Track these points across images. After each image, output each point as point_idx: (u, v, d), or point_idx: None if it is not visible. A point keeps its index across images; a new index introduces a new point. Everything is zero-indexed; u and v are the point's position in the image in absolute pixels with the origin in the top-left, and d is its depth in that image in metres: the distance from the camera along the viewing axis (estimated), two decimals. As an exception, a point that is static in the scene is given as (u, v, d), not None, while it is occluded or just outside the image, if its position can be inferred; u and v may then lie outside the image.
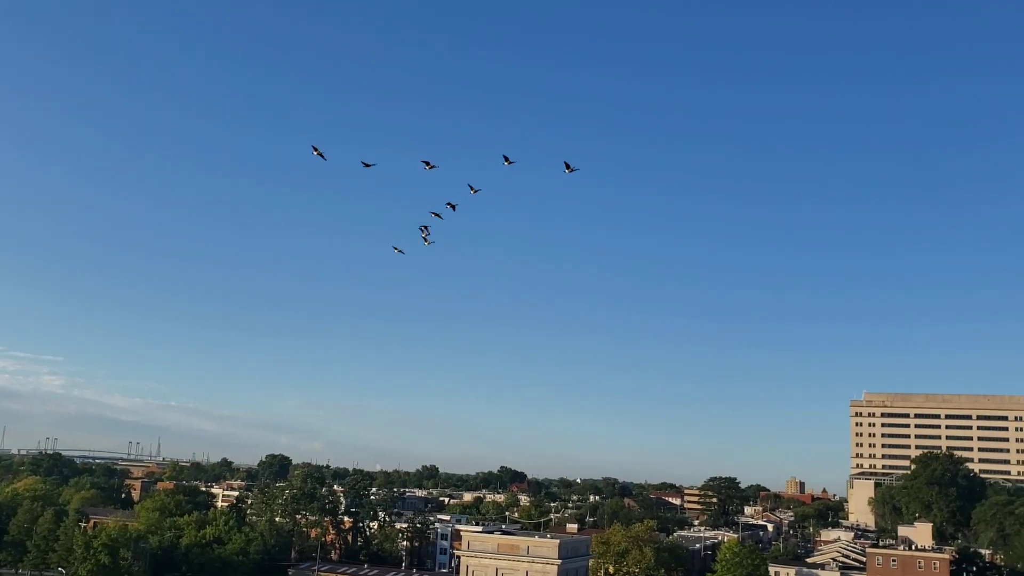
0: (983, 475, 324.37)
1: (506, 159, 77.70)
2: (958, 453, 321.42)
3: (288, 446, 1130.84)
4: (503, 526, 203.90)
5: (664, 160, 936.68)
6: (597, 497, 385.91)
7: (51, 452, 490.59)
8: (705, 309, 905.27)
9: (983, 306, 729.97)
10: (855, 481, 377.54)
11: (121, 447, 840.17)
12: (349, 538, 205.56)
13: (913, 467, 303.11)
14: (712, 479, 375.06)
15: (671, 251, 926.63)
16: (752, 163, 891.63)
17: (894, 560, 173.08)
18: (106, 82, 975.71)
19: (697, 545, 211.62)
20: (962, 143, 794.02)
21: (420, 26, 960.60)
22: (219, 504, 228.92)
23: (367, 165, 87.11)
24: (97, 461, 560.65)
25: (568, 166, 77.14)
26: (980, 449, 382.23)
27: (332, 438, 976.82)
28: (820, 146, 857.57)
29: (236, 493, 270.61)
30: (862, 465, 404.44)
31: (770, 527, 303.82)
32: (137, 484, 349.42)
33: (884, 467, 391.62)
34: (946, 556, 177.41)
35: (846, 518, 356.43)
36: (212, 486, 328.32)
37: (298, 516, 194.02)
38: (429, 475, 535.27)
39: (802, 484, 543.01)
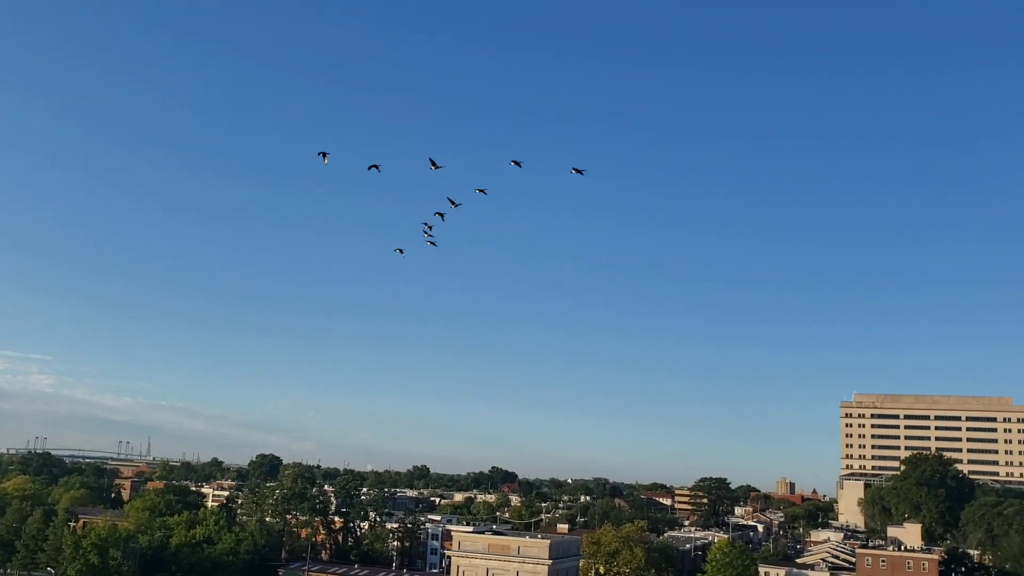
0: (972, 476, 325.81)
1: (515, 163, 77.34)
2: (947, 454, 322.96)
3: (279, 446, 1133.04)
4: (494, 526, 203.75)
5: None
6: (588, 497, 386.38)
7: (40, 451, 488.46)
8: (699, 310, 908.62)
9: (972, 308, 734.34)
10: (845, 482, 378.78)
11: (111, 447, 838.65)
12: (339, 538, 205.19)
13: (903, 468, 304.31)
14: (703, 479, 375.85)
15: (666, 251, 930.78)
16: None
17: (883, 561, 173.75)
18: (98, 81, 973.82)
19: (687, 545, 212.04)
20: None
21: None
22: (209, 504, 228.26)
23: (373, 167, 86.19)
24: (87, 461, 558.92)
25: (577, 170, 76.65)
26: (969, 450, 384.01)
27: (323, 438, 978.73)
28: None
29: (226, 493, 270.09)
30: (852, 466, 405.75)
31: (760, 527, 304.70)
32: (127, 484, 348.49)
33: (874, 468, 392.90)
34: (935, 557, 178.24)
35: (836, 519, 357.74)
36: (202, 486, 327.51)
37: (288, 516, 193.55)
38: (420, 475, 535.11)
39: (792, 485, 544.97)
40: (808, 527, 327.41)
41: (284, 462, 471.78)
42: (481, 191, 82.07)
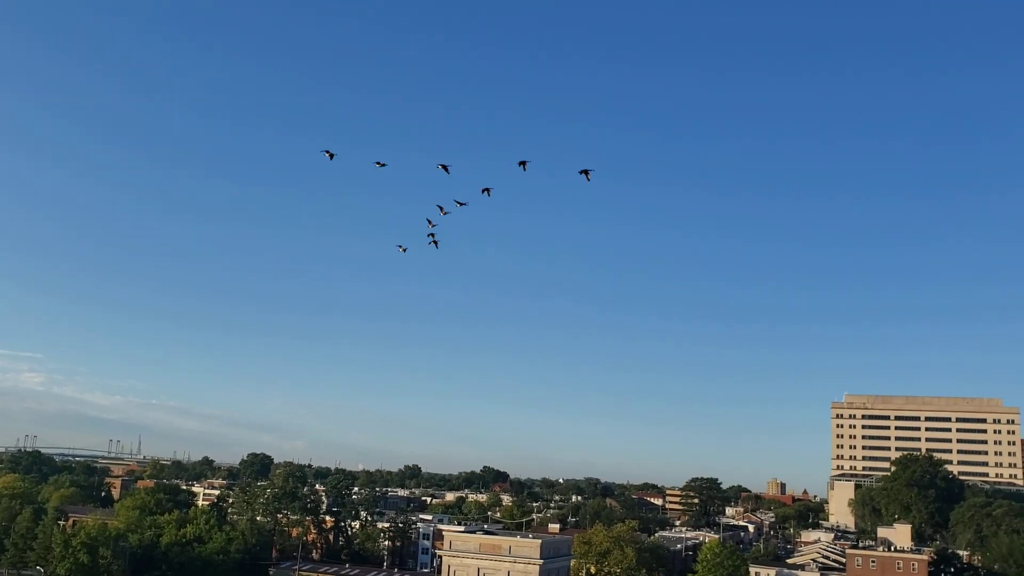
0: (961, 477, 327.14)
1: (522, 163, 76.76)
2: (937, 455, 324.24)
3: (270, 445, 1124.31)
4: (485, 526, 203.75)
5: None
6: (579, 497, 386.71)
7: (30, 450, 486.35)
8: (690, 310, 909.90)
9: (962, 309, 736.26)
10: (835, 482, 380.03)
11: (101, 445, 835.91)
12: (331, 537, 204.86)
13: (893, 469, 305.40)
14: (694, 480, 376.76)
15: (660, 251, 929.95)
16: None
17: (873, 561, 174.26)
18: (87, 78, 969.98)
19: (678, 545, 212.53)
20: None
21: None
22: (200, 503, 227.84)
23: (380, 165, 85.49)
24: (77, 459, 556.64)
25: (584, 172, 75.98)
26: (959, 451, 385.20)
27: (314, 437, 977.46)
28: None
29: (217, 492, 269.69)
30: (842, 466, 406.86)
31: (751, 528, 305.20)
32: (117, 482, 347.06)
33: (864, 469, 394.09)
34: (924, 557, 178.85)
35: (826, 519, 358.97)
36: (193, 485, 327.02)
37: (279, 515, 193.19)
38: (412, 475, 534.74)
39: (783, 485, 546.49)
40: (799, 527, 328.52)
41: (275, 461, 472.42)
42: (486, 191, 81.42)
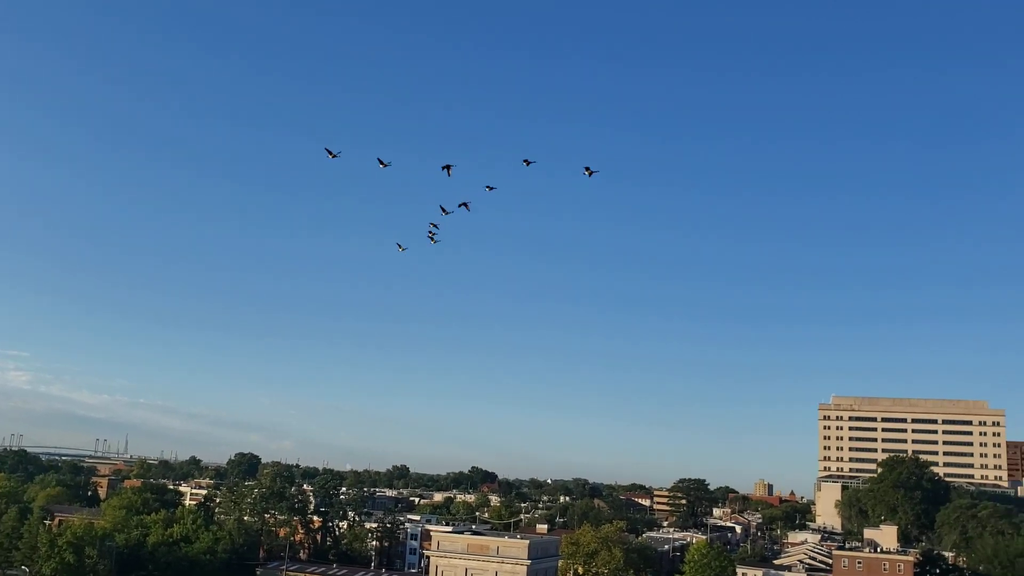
0: (947, 479, 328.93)
1: (526, 161, 76.83)
2: (923, 457, 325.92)
3: (258, 445, 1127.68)
4: (473, 526, 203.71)
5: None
6: (567, 498, 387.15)
7: (16, 449, 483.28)
8: (679, 310, 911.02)
9: (949, 311, 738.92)
10: (822, 484, 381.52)
11: (88, 444, 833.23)
12: (318, 538, 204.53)
13: (879, 470, 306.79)
14: (681, 480, 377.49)
15: (653, 251, 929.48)
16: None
17: (860, 562, 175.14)
18: (87, 78, 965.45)
19: (666, 546, 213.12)
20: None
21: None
22: (187, 503, 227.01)
23: (383, 164, 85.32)
24: (63, 458, 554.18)
25: (588, 170, 75.87)
26: (945, 453, 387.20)
27: (302, 437, 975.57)
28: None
29: (204, 492, 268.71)
30: (830, 468, 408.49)
31: (738, 529, 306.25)
32: (104, 482, 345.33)
33: (851, 470, 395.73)
34: (910, 558, 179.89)
35: (813, 520, 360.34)
36: (180, 484, 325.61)
37: (267, 515, 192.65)
38: (400, 475, 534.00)
39: (770, 486, 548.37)
40: (786, 528, 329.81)
41: (263, 461, 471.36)
42: (490, 188, 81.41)
